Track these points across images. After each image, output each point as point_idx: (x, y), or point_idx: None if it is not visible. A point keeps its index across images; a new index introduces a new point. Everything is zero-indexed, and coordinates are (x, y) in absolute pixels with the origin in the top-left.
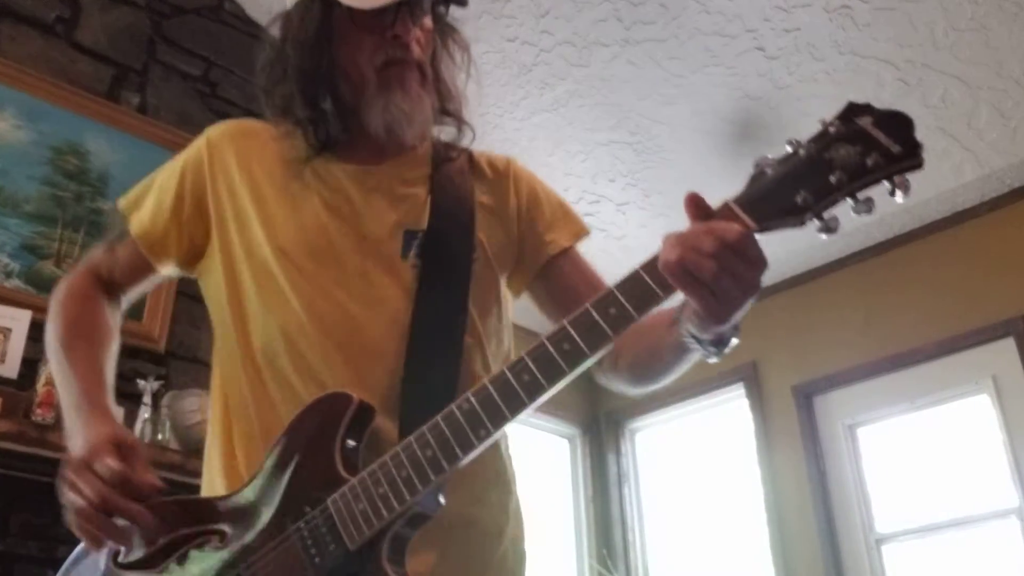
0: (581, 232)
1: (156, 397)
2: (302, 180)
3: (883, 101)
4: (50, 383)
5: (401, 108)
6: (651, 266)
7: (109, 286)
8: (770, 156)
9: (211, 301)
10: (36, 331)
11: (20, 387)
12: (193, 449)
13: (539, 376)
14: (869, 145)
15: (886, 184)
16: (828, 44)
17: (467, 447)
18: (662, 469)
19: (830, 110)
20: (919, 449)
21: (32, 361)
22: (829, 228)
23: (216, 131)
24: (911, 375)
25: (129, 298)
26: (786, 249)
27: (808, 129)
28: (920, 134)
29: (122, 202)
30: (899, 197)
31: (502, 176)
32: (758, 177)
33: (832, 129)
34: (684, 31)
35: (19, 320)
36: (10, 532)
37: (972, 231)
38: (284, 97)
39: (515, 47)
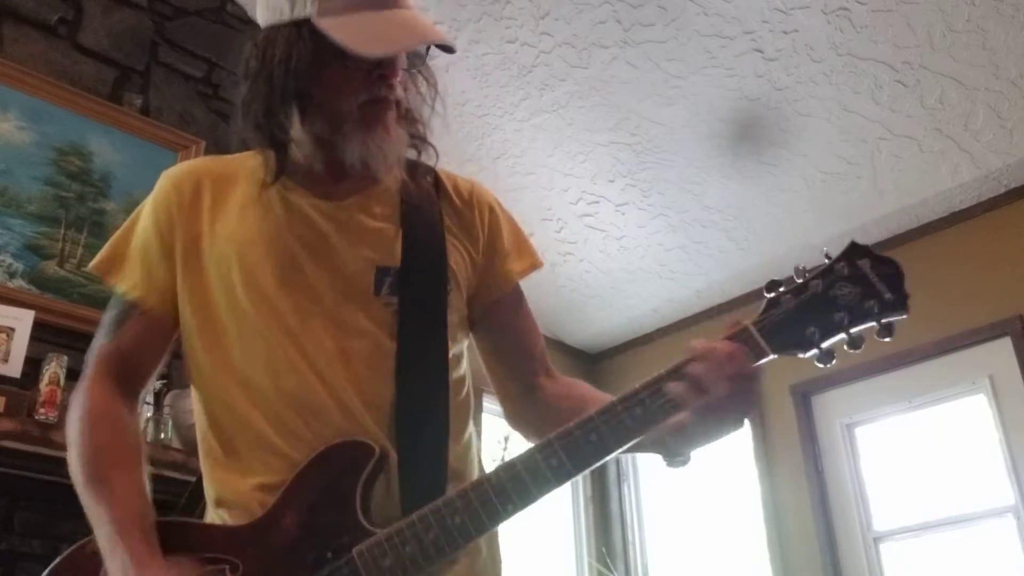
0: (534, 265)
1: (158, 396)
2: (272, 215)
3: (881, 102)
4: (53, 382)
5: (380, 146)
6: (673, 374)
7: (125, 381)
8: (781, 283)
9: (183, 331)
10: (39, 331)
11: (23, 386)
12: (195, 448)
13: (567, 463)
14: (868, 290)
15: (875, 325)
16: (826, 46)
17: (495, 518)
18: (661, 469)
19: (828, 111)
20: (916, 448)
21: (35, 360)
22: (827, 358)
23: (176, 170)
24: (908, 375)
25: (148, 387)
26: (784, 249)
27: (806, 130)
28: (918, 134)
29: (96, 265)
30: (884, 339)
31: (468, 203)
32: (773, 304)
33: (838, 267)
34: (683, 33)
35: (23, 320)
36: (13, 530)
37: (969, 231)
38: (265, 113)
39: (515, 48)
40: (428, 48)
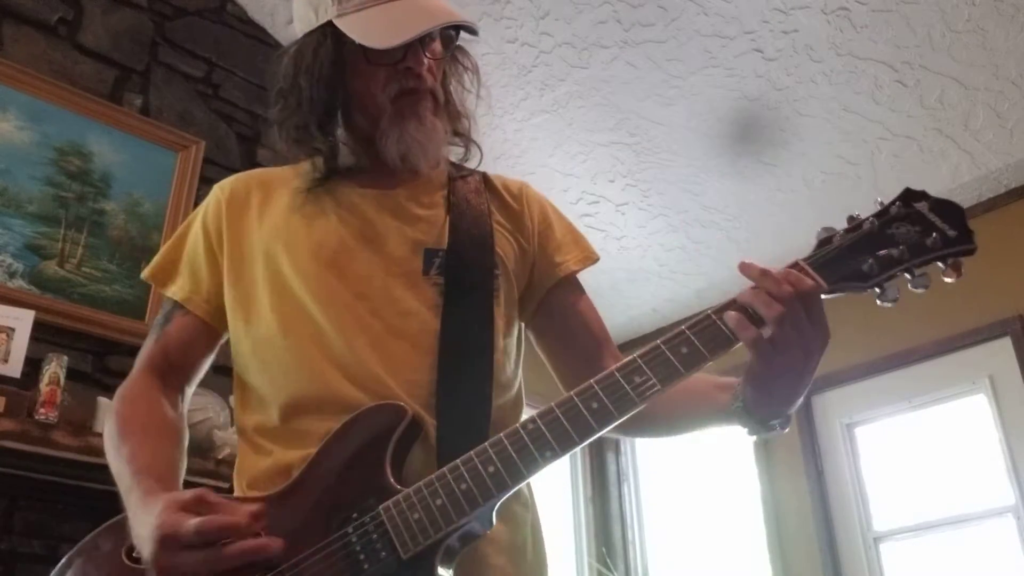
0: (590, 257)
1: None
2: (320, 205)
3: (880, 102)
4: (53, 382)
5: (415, 138)
6: (723, 311)
7: (167, 377)
8: (835, 228)
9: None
10: (39, 331)
11: (23, 386)
12: (196, 447)
13: (609, 405)
14: (928, 227)
15: (940, 265)
16: (826, 46)
17: (532, 466)
18: (661, 468)
19: (828, 111)
20: (917, 448)
21: (35, 360)
22: (889, 298)
23: (229, 180)
24: (909, 374)
25: (193, 381)
26: (784, 248)
27: (806, 130)
28: (918, 134)
29: (149, 273)
30: (951, 279)
31: (517, 198)
32: (825, 242)
33: (893, 209)
34: (683, 33)
35: (23, 320)
36: (13, 530)
37: None
38: (298, 128)
39: (515, 48)
40: (458, 31)
